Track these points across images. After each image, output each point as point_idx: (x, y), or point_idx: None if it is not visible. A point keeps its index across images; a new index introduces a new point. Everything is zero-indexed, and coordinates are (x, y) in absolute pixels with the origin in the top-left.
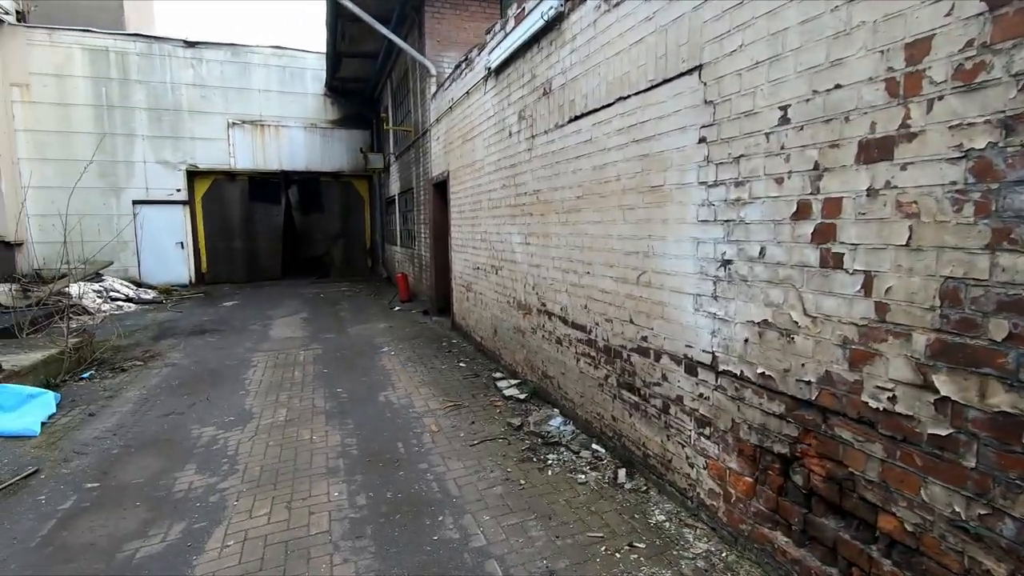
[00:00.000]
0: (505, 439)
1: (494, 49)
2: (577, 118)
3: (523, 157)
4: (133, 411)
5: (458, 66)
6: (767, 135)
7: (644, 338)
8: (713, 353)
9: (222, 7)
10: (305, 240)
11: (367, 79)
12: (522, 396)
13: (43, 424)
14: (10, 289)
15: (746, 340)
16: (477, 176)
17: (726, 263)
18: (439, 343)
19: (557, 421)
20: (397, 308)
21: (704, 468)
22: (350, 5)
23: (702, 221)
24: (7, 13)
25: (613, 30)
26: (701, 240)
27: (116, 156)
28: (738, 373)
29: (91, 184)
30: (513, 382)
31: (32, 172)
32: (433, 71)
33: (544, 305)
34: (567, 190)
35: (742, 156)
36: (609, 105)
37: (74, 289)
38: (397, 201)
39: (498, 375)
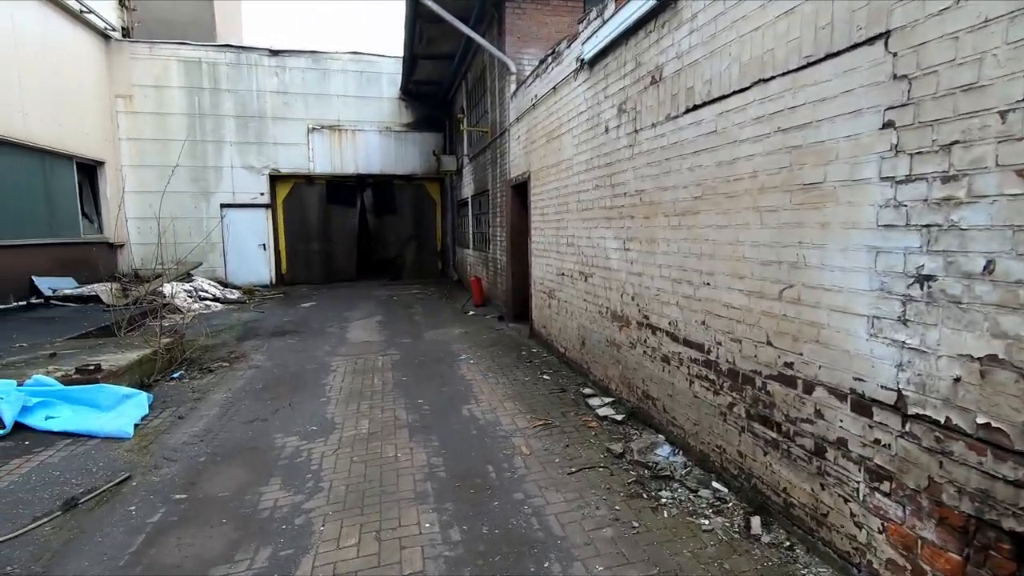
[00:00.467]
0: (606, 468)
1: (588, 39)
2: (696, 107)
3: (623, 154)
4: (220, 415)
5: (543, 61)
6: (1003, 114)
7: (788, 364)
8: (899, 391)
9: (303, 9)
10: (378, 242)
11: (441, 81)
12: (618, 417)
13: (136, 426)
14: (111, 288)
15: (957, 379)
16: (564, 176)
17: (924, 279)
18: (518, 352)
19: (665, 450)
20: (471, 313)
21: (880, 532)
22: (431, 4)
23: (884, 226)
24: (113, 29)
25: (749, 3)
26: (882, 249)
27: (206, 162)
28: (942, 420)
29: (183, 188)
30: (606, 400)
31: (133, 177)
32: (513, 68)
33: (647, 318)
34: (680, 190)
35: (956, 143)
36: (743, 90)
37: (167, 289)
38: (470, 203)
39: (588, 391)
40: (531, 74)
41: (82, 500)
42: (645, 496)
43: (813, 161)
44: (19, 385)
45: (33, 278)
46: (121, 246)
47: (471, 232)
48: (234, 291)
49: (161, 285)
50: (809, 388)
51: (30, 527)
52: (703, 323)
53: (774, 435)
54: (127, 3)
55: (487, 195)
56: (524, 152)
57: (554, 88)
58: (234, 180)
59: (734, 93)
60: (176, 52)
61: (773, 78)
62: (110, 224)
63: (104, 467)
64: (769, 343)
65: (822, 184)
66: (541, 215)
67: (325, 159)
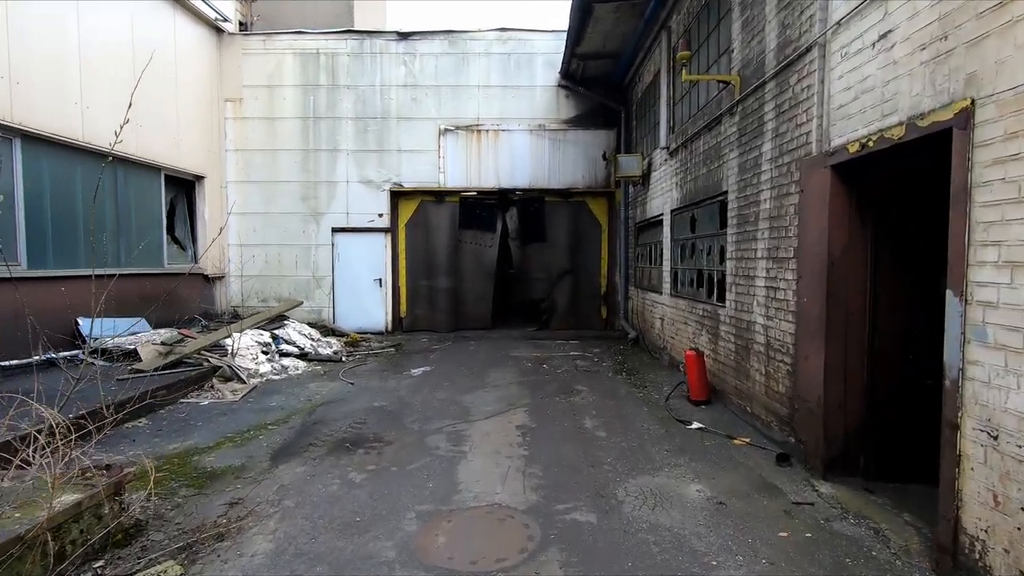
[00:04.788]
0: None
1: None
2: None
3: None
4: None
5: None
6: None
7: None
8: None
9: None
10: (521, 279)
11: (619, 53)
12: None
13: None
14: (163, 340)
15: None
16: None
17: None
18: None
19: None
20: (694, 425)
21: None
22: None
23: None
24: (225, 20)
25: None
26: None
27: (318, 175)
28: None
29: (291, 209)
30: None
31: (237, 196)
32: None
33: None
34: None
35: None
36: None
37: (231, 343)
38: (669, 224)
39: None
40: None
41: None
42: None
43: None
44: None
45: (79, 320)
46: (221, 278)
47: (669, 268)
48: (334, 341)
49: (227, 336)
50: None
51: None
52: None
53: None
54: None
55: (726, 203)
56: (916, 69)
57: None
58: (349, 198)
59: None
60: (292, 43)
61: None
62: (209, 252)
63: None
64: None
65: None
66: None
67: (459, 170)
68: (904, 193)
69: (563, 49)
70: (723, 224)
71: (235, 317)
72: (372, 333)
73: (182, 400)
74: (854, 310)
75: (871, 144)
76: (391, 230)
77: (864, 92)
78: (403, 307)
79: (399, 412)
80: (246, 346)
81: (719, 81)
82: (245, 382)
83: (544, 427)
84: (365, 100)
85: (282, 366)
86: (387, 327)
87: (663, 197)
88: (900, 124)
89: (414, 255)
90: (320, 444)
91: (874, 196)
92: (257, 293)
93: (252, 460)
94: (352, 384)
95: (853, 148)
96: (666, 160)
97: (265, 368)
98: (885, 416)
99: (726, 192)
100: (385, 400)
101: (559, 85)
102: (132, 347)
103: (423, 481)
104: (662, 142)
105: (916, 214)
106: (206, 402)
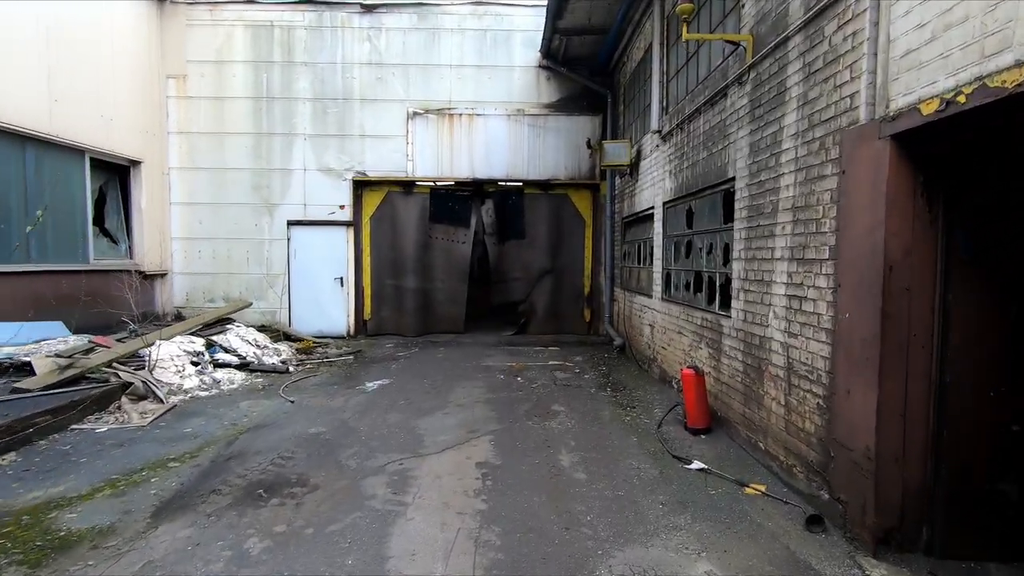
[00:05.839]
0: None
1: None
2: None
3: None
4: None
5: None
6: None
7: None
8: None
9: None
10: (498, 279)
11: (604, 28)
12: None
13: None
14: (56, 354)
15: None
16: None
17: None
18: None
19: None
20: (696, 465)
21: None
22: None
23: None
24: None
25: None
26: None
27: (272, 162)
28: None
29: (242, 199)
30: None
31: (181, 184)
32: None
33: None
34: None
35: None
36: None
37: (151, 352)
38: (660, 218)
39: None
40: None
41: None
42: None
43: None
44: None
45: None
46: (162, 276)
47: (660, 269)
48: (284, 348)
49: (144, 346)
50: None
51: None
52: None
53: None
54: None
55: (729, 191)
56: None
57: None
58: (307, 188)
59: None
60: (243, 14)
61: None
62: (144, 246)
63: None
64: None
65: None
66: None
67: (430, 158)
68: (995, 171)
69: (543, 24)
70: (728, 217)
71: (178, 319)
72: (332, 337)
73: (74, 426)
74: (919, 332)
75: (961, 99)
76: (354, 224)
77: (950, 26)
78: (367, 309)
79: (338, 442)
80: (171, 356)
81: (727, 42)
82: (163, 401)
83: (511, 465)
84: (324, 79)
85: (213, 380)
86: (349, 331)
87: (654, 188)
88: (1018, 65)
89: (379, 252)
90: (225, 491)
91: (949, 176)
92: (204, 292)
93: (127, 517)
94: (292, 402)
95: (930, 108)
96: (658, 146)
97: (191, 383)
98: (958, 473)
99: (732, 179)
100: (325, 425)
101: (540, 66)
102: (27, 359)
103: (342, 554)
104: (653, 125)
105: (1010, 200)
106: (104, 428)
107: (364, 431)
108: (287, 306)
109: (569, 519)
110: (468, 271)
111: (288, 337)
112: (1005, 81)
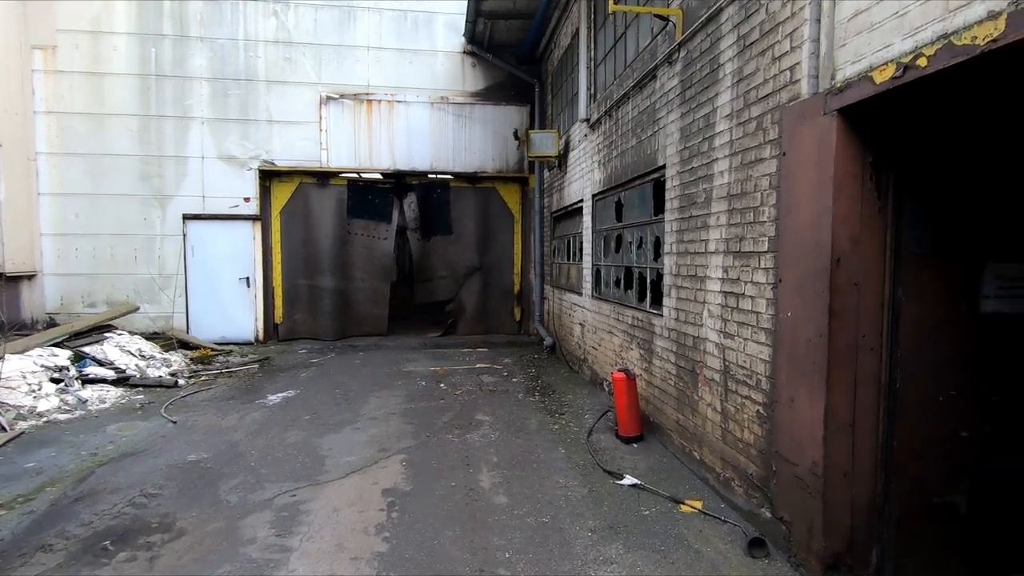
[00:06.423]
0: None
1: None
2: None
3: None
4: None
5: None
6: None
7: None
8: None
9: None
10: (423, 277)
11: (530, 13)
12: None
13: None
14: None
15: None
16: None
17: None
18: None
19: None
20: (628, 481)
21: None
22: None
23: None
24: None
25: None
26: None
27: (164, 148)
28: None
29: (127, 190)
30: None
31: (52, 171)
32: None
33: None
34: None
35: None
36: None
37: (1, 367)
38: (591, 211)
39: None
40: None
41: None
42: None
43: None
44: None
45: None
46: (30, 277)
47: (590, 265)
48: (175, 358)
49: None
50: None
51: None
52: None
53: None
54: None
55: (659, 180)
56: None
57: None
58: (205, 178)
59: None
60: None
61: None
62: (9, 243)
63: None
64: None
65: None
66: None
67: (346, 147)
68: (952, 151)
69: (467, 6)
70: (659, 209)
71: (51, 326)
72: (238, 344)
73: None
74: (868, 333)
75: (922, 62)
76: (262, 218)
77: None
78: (278, 312)
79: (220, 471)
80: (22, 373)
81: (656, 18)
82: (4, 429)
83: (423, 490)
84: (224, 57)
85: (79, 399)
86: (257, 336)
87: (583, 180)
88: (992, 16)
89: (292, 249)
90: (59, 546)
91: (900, 157)
92: (84, 296)
93: None
94: (174, 423)
95: (884, 75)
96: (586, 135)
97: (49, 404)
98: (908, 488)
99: (663, 167)
100: (209, 449)
101: (464, 52)
102: None
103: None
104: (581, 113)
105: (970, 179)
106: None
107: (255, 455)
108: (184, 310)
109: (485, 558)
110: (391, 269)
111: (185, 345)
112: (976, 37)
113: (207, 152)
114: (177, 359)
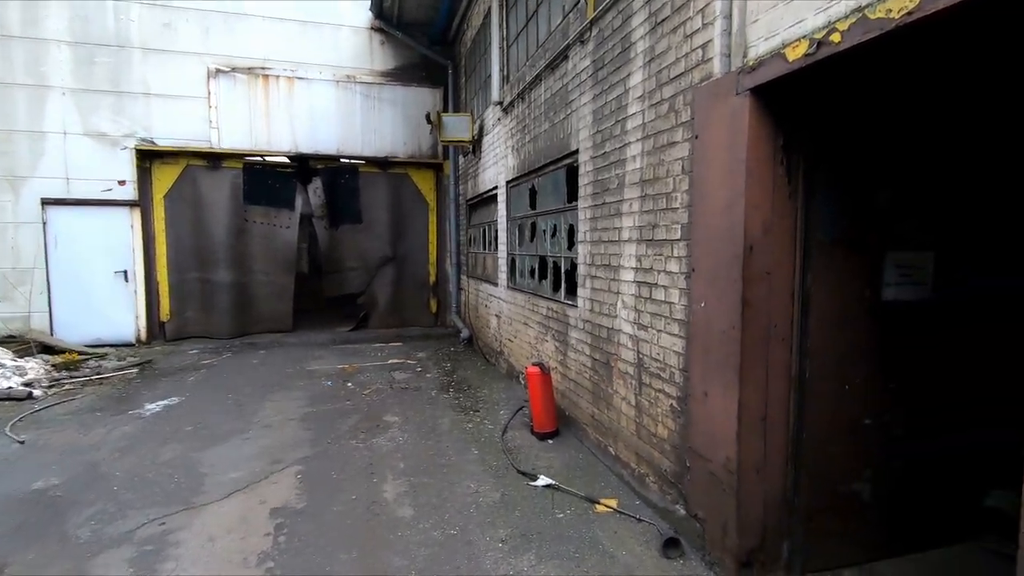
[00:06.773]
0: None
1: None
2: None
3: None
4: None
5: None
6: None
7: None
8: None
9: None
10: (332, 269)
11: None
12: None
13: None
14: None
15: None
16: None
17: None
18: None
19: None
20: (543, 481)
21: None
22: None
23: None
24: None
25: None
26: None
27: (14, 122)
28: None
29: None
30: None
31: None
32: None
33: None
34: None
35: None
36: None
37: None
38: (506, 199)
39: None
40: None
41: None
42: None
43: None
44: None
45: None
46: None
47: (505, 254)
48: (34, 365)
49: None
50: None
51: None
52: None
53: None
54: None
55: (572, 166)
56: None
57: None
58: (69, 157)
59: None
60: None
61: None
62: None
63: None
64: None
65: None
66: None
67: (241, 126)
68: (863, 128)
69: None
70: (572, 196)
71: None
72: (116, 345)
73: None
74: (779, 323)
75: (836, 37)
76: (141, 204)
77: None
78: (164, 309)
79: (74, 499)
80: None
81: None
82: None
83: (318, 508)
84: (89, 18)
85: None
86: (140, 336)
87: (497, 166)
88: None
89: (179, 239)
90: None
91: (810, 136)
92: None
93: None
94: (21, 442)
95: (796, 52)
96: (500, 119)
97: None
98: (815, 479)
99: (576, 152)
100: (62, 473)
101: (372, 28)
102: None
103: None
104: (495, 96)
105: (876, 162)
106: None
107: (120, 477)
108: (46, 309)
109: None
110: (295, 260)
111: (48, 349)
112: (891, 10)
113: (70, 127)
114: (35, 366)
